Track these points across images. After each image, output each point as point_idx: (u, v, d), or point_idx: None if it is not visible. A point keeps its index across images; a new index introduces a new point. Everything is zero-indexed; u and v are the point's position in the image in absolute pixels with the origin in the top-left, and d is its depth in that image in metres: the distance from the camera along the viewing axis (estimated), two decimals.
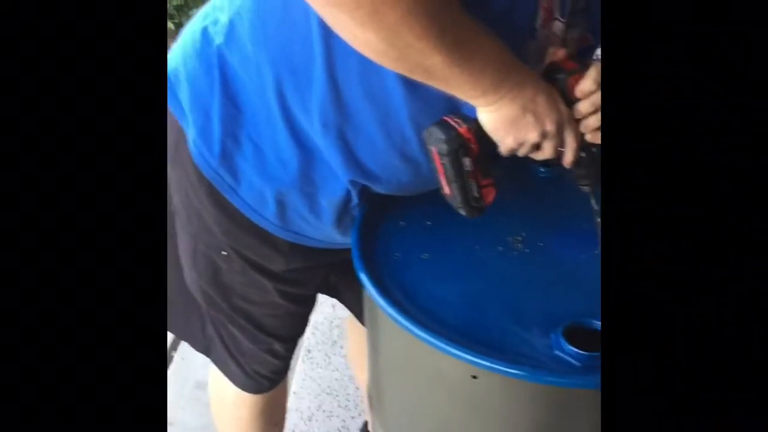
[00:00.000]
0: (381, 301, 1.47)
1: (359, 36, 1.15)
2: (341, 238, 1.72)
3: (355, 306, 2.09)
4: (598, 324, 1.36)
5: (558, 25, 1.39)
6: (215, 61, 1.49)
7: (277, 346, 1.97)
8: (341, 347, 3.46)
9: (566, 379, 1.34)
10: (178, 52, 1.59)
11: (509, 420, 1.44)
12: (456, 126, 1.36)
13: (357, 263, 1.55)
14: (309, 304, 2.02)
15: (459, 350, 1.37)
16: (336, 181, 1.55)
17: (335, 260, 1.86)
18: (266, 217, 1.67)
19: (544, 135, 1.34)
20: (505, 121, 1.30)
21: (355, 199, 1.60)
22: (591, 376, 1.31)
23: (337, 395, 3.22)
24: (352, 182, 1.54)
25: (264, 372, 2.01)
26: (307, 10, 1.27)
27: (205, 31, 1.53)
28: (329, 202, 1.60)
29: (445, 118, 1.38)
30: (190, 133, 1.56)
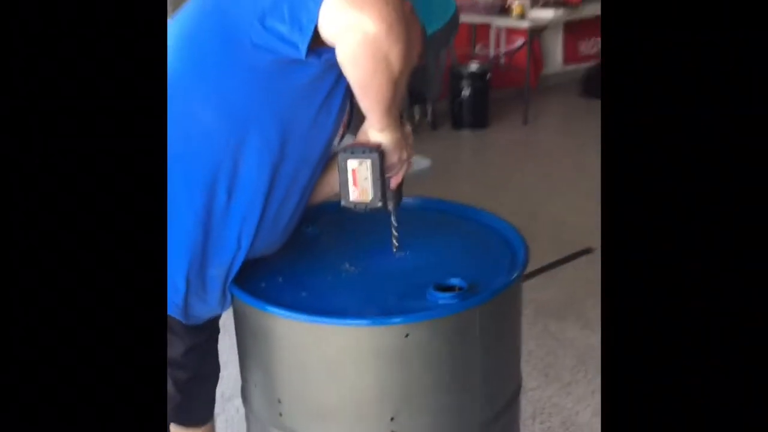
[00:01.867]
0: (307, 317, 1.81)
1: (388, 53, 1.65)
2: (218, 309, 2.09)
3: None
4: (451, 281, 1.86)
5: None
6: None
7: None
8: None
9: (469, 302, 1.81)
10: None
11: (434, 360, 1.83)
12: (371, 146, 1.87)
13: (263, 306, 1.88)
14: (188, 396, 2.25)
15: (395, 319, 1.79)
16: (224, 251, 1.90)
17: (205, 338, 2.24)
18: (176, 303, 1.95)
19: (405, 158, 1.92)
20: (396, 140, 1.87)
21: (237, 264, 1.94)
22: (471, 300, 1.81)
23: None
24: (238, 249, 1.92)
25: None
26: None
27: None
28: (218, 270, 1.93)
29: (349, 145, 1.90)
30: None
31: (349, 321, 1.82)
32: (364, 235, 2.18)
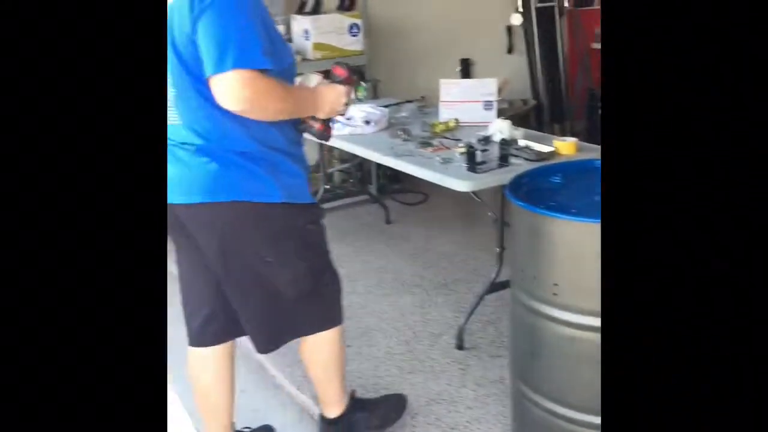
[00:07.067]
0: (584, 219, 2.47)
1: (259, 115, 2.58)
2: None
3: None
4: None
5: None
6: (239, 159, 2.67)
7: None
8: None
9: None
10: (196, 180, 2.67)
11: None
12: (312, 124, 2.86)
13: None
14: None
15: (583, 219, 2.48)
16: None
17: None
18: (309, 193, 2.88)
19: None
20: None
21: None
22: None
23: None
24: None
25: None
26: None
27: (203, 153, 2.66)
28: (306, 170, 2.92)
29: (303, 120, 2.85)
30: (275, 196, 2.70)
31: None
32: (595, 184, 2.74)
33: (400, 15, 6.41)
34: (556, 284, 2.59)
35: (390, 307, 4.39)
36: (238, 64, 2.42)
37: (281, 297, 2.90)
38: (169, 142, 2.67)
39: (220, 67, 2.42)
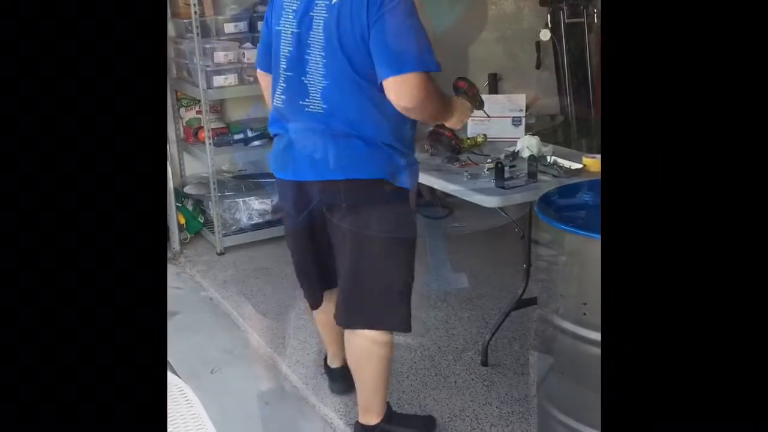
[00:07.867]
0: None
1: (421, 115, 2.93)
2: None
3: None
4: None
5: None
6: (383, 146, 2.88)
7: None
8: None
9: None
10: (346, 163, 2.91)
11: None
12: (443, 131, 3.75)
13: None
14: None
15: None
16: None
17: None
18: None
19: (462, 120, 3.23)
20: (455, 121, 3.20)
21: None
22: None
23: None
24: None
25: None
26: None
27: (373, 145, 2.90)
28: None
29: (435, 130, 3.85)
30: (406, 183, 2.97)
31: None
32: None
33: (429, 30, 6.40)
34: (585, 303, 2.57)
35: (414, 322, 4.27)
36: (418, 67, 2.70)
37: (382, 284, 3.09)
38: (306, 126, 2.89)
39: (400, 69, 2.68)
